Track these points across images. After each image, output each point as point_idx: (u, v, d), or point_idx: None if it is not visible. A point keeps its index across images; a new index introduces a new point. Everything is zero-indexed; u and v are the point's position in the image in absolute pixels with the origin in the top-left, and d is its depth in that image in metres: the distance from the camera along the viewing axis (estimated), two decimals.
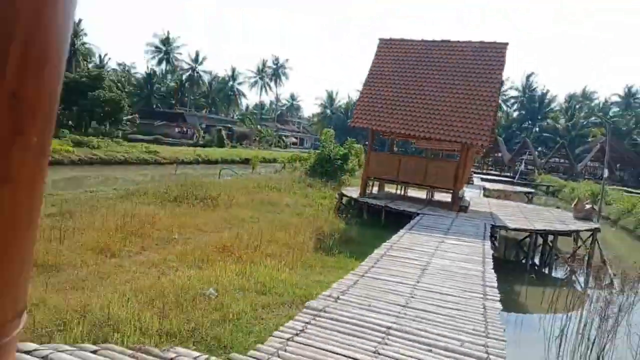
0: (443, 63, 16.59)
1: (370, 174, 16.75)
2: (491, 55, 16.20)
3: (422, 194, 18.24)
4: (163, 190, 15.89)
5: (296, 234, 11.41)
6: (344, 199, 17.10)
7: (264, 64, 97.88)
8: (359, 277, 6.48)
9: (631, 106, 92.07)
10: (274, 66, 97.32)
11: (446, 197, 17.21)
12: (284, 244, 10.34)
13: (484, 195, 24.16)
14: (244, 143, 78.68)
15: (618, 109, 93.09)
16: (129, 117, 59.67)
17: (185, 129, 74.49)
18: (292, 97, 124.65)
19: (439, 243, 9.39)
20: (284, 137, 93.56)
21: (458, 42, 16.96)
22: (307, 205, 17.28)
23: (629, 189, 46.50)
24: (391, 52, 17.40)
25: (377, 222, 14.65)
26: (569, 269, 13.73)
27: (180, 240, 10.24)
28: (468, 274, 6.94)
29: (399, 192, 18.52)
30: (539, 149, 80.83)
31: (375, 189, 18.84)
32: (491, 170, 74.59)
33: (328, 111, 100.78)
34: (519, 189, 33.36)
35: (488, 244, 9.73)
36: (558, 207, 33.44)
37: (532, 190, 32.92)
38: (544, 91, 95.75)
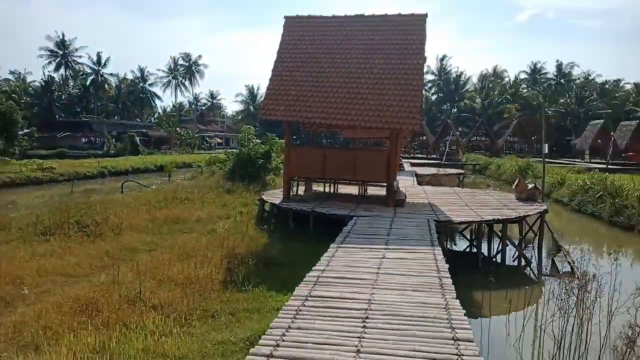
0: (360, 41, 14.60)
1: (292, 174, 14.44)
2: (410, 29, 14.45)
3: (354, 190, 16.24)
4: (33, 219, 12.58)
5: (202, 263, 8.86)
6: (266, 206, 14.66)
7: (175, 63, 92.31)
8: (273, 346, 4.14)
9: (538, 82, 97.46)
10: (187, 64, 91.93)
11: (380, 190, 15.34)
12: (180, 283, 7.76)
13: (418, 183, 22.73)
14: (163, 148, 73.53)
15: (526, 85, 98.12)
16: (26, 131, 53.06)
17: (93, 139, 68.00)
18: (213, 96, 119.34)
19: (380, 260, 7.28)
20: (207, 138, 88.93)
21: (373, 16, 15.05)
22: (224, 217, 14.68)
23: (547, 160, 48.08)
24: (300, 31, 15.14)
25: (306, 230, 12.40)
26: (521, 258, 12.31)
27: (31, 297, 7.33)
28: (426, 315, 4.83)
29: (329, 189, 16.37)
30: (460, 129, 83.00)
31: (302, 189, 16.60)
32: (417, 153, 75.48)
33: (251, 107, 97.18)
34: (449, 171, 32.69)
35: (439, 251, 7.78)
36: (489, 186, 33.36)
37: (462, 172, 32.36)
38: (458, 73, 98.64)
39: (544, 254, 13.16)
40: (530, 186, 14.70)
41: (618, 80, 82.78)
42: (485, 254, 13.46)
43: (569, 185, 23.88)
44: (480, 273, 10.80)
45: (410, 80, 13.37)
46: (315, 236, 12.20)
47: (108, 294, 6.93)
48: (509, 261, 12.27)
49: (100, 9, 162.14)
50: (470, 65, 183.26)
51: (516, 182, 15.12)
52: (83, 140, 66.81)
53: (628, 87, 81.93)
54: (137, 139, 68.97)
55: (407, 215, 11.79)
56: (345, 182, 14.91)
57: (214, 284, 7.88)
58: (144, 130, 78.07)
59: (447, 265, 6.78)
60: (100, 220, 12.27)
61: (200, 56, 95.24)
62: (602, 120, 59.36)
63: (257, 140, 25.57)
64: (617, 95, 75.51)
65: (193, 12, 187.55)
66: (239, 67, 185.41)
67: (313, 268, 6.83)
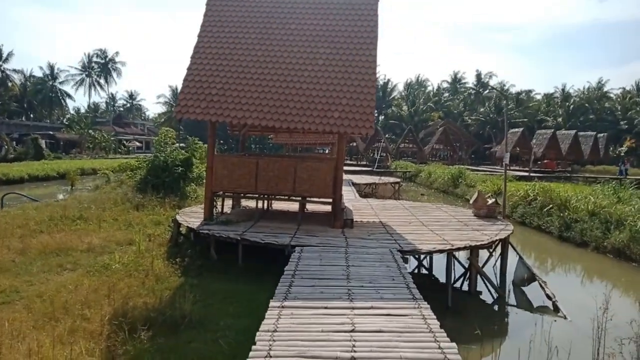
0: (301, 26, 12.12)
1: (216, 188, 11.56)
2: (361, 14, 12.23)
3: (292, 205, 13.65)
4: None
5: (70, 333, 5.85)
6: (183, 228, 11.63)
7: (89, 59, 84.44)
8: None
9: (458, 91, 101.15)
10: (102, 61, 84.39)
11: (321, 205, 12.90)
12: None
13: (360, 195, 20.61)
14: (73, 152, 66.27)
15: (448, 94, 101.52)
16: None
17: None
18: (132, 96, 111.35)
19: (349, 335, 4.74)
20: (125, 142, 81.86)
21: None
22: (126, 243, 11.45)
23: (469, 167, 48.66)
24: (228, 11, 12.38)
25: (232, 265, 9.62)
26: (494, 290, 10.40)
27: None
28: None
29: (262, 205, 13.64)
30: (386, 135, 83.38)
31: (229, 205, 13.73)
32: (347, 160, 74.53)
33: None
34: (384, 179, 31.14)
35: (428, 312, 5.42)
36: (423, 195, 32.34)
37: (399, 181, 30.99)
38: (385, 80, 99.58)
39: (508, 280, 11.42)
40: (490, 202, 13.00)
41: (529, 91, 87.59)
42: (441, 279, 11.53)
43: (510, 195, 22.97)
44: (454, 315, 8.69)
45: (362, 75, 11.09)
46: (245, 271, 9.49)
47: None
48: (485, 299, 10.33)
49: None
50: (397, 73, 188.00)
51: (475, 196, 13.38)
52: None
53: (538, 97, 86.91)
54: (43, 141, 61.43)
55: (362, 243, 9.41)
56: (282, 199, 12.28)
57: None
58: (51, 133, 70.26)
59: (454, 345, 4.41)
60: None
61: (117, 53, 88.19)
62: (520, 129, 61.70)
63: (177, 145, 22.18)
64: (530, 105, 79.68)
65: (117, 6, 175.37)
66: (162, 65, 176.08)
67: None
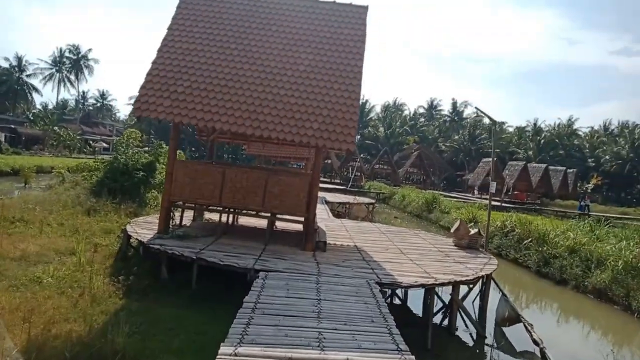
0: (283, 28, 11.15)
1: (175, 197, 10.29)
2: (348, 22, 11.36)
3: (260, 221, 12.42)
4: None
5: None
6: (133, 241, 10.27)
7: (61, 54, 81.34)
8: None
9: (434, 117, 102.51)
10: (74, 57, 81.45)
11: (292, 222, 11.76)
12: None
13: (334, 214, 19.57)
14: (34, 148, 63.08)
15: (424, 119, 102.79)
16: None
17: None
18: (103, 96, 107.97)
19: None
20: (91, 142, 78.67)
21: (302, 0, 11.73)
22: (67, 252, 10.04)
23: (442, 193, 48.51)
24: (202, 8, 11.29)
25: (185, 286, 8.36)
26: (474, 329, 9.46)
27: None
28: None
29: (226, 219, 12.40)
30: (361, 155, 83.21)
31: (188, 217, 12.43)
32: (321, 177, 73.58)
33: None
34: (359, 199, 30.26)
35: None
36: (397, 218, 31.60)
37: (373, 201, 30.17)
38: (364, 100, 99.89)
39: (488, 318, 10.54)
40: (472, 231, 12.19)
41: (502, 123, 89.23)
42: (415, 310, 10.60)
43: (485, 225, 22.37)
44: (434, 358, 7.68)
45: (345, 87, 10.15)
46: (200, 295, 8.25)
47: None
48: (459, 332, 9.37)
49: None
50: (375, 94, 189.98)
51: (456, 225, 12.54)
52: None
53: (510, 129, 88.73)
54: (3, 135, 58.25)
55: (335, 270, 8.32)
56: (250, 214, 11.10)
57: None
58: (12, 126, 66.88)
59: None
60: None
61: (90, 50, 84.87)
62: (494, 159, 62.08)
63: (140, 149, 20.72)
64: (503, 136, 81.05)
65: (93, 5, 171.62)
66: (136, 66, 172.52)
67: None
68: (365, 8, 11.50)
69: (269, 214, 10.57)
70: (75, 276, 8.33)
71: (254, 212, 10.74)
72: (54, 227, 12.34)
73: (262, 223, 11.80)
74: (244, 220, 12.95)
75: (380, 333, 5.23)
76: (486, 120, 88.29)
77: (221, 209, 10.91)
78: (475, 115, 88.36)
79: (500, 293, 10.64)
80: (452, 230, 12.82)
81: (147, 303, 7.48)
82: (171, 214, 10.53)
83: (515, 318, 9.75)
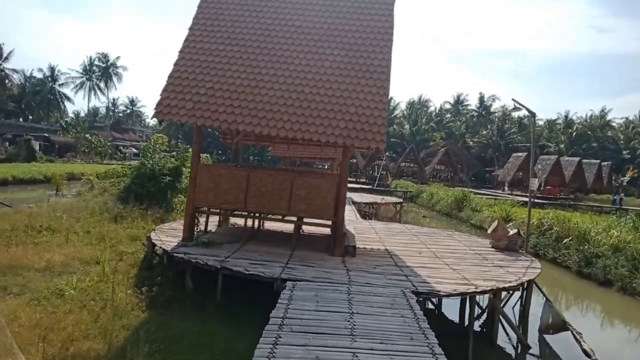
0: (307, 23, 10.74)
1: (199, 203, 10.00)
2: (375, 13, 10.84)
3: (285, 225, 12.00)
4: None
5: None
6: (157, 249, 10.01)
7: (91, 62, 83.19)
8: None
9: (460, 112, 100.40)
10: (103, 65, 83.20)
11: (319, 226, 11.30)
12: None
13: (361, 215, 19.04)
14: (67, 156, 64.71)
15: (450, 115, 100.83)
16: None
17: None
18: (132, 103, 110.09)
19: None
20: (121, 148, 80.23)
21: None
22: (92, 261, 9.86)
23: (472, 190, 47.21)
24: (224, 5, 10.97)
25: (211, 297, 8.02)
26: (516, 338, 8.82)
27: None
28: None
29: (252, 223, 12.08)
30: (387, 153, 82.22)
31: (214, 222, 12.14)
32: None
33: None
34: (387, 198, 29.58)
35: None
36: (425, 217, 30.78)
37: (401, 201, 29.49)
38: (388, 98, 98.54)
39: (531, 326, 9.86)
40: (511, 232, 11.49)
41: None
42: (449, 315, 10.01)
43: (521, 223, 21.44)
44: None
45: (374, 82, 9.65)
46: (225, 306, 7.89)
47: None
48: (500, 340, 8.74)
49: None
50: (399, 91, 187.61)
51: (494, 225, 11.85)
52: None
53: (541, 122, 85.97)
54: (37, 143, 59.87)
55: (367, 278, 7.83)
56: (276, 219, 10.72)
57: None
58: (46, 135, 68.82)
59: None
60: None
61: (118, 57, 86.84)
62: (524, 153, 60.25)
63: (167, 154, 20.65)
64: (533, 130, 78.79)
65: (121, 12, 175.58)
66: (166, 72, 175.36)
67: None
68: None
69: (295, 218, 10.15)
70: (99, 287, 8.09)
71: (280, 217, 10.35)
72: (80, 235, 12.24)
73: (289, 227, 11.41)
74: (269, 224, 12.60)
75: (421, 353, 4.72)
76: (515, 114, 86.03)
77: (246, 213, 10.56)
78: (506, 108, 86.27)
79: (544, 298, 9.95)
80: (489, 231, 12.14)
81: (170, 316, 7.17)
82: (196, 219, 10.23)
83: (561, 325, 9.06)
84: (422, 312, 6.14)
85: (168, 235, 10.07)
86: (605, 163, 58.64)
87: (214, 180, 9.90)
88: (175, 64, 9.90)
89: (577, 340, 8.51)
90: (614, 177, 61.00)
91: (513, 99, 11.25)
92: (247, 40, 10.30)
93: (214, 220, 12.03)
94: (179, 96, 9.42)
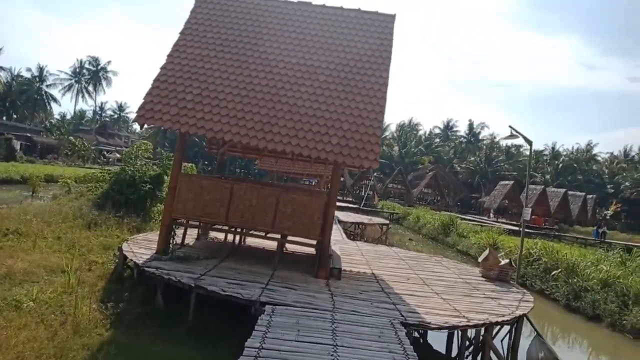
0: (303, 35, 10.38)
1: (177, 214, 9.42)
2: (374, 31, 10.54)
3: (269, 242, 11.42)
4: None
5: None
6: (129, 261, 9.35)
7: (81, 65, 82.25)
8: None
9: (449, 138, 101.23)
10: (93, 68, 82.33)
11: (304, 245, 10.76)
12: None
13: (347, 235, 18.54)
14: (49, 157, 63.33)
15: (439, 139, 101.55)
16: None
17: None
18: (121, 108, 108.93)
19: None
20: (105, 153, 78.88)
21: (325, 6, 10.97)
22: (58, 270, 9.16)
23: (458, 215, 47.06)
24: (217, 12, 10.58)
25: (183, 317, 7.40)
26: None
27: None
28: None
29: (232, 238, 11.52)
30: (375, 174, 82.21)
31: (192, 235, 11.53)
32: None
33: None
34: (374, 219, 29.15)
35: None
36: (411, 240, 30.35)
37: (387, 222, 29.05)
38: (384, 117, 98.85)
39: None
40: (503, 262, 11.09)
41: (519, 146, 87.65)
42: (435, 345, 9.45)
43: (508, 252, 21.11)
44: None
45: (369, 99, 9.28)
46: (198, 328, 7.27)
47: None
48: None
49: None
50: (388, 113, 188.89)
51: (485, 254, 11.44)
52: None
53: (527, 153, 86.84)
54: (19, 143, 58.51)
55: (352, 305, 7.30)
56: (258, 235, 10.16)
57: None
58: (28, 135, 67.42)
59: None
60: None
61: (109, 62, 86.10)
62: (511, 182, 60.59)
63: (150, 161, 20.00)
64: (520, 159, 79.50)
65: (116, 20, 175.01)
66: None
67: None
68: (393, 17, 10.68)
69: (279, 236, 9.63)
70: (61, 300, 7.44)
71: (263, 233, 9.82)
72: (49, 241, 11.53)
73: (272, 244, 10.85)
74: (251, 240, 12.02)
75: None
76: (503, 143, 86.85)
77: (227, 228, 10.00)
78: (494, 136, 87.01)
79: (535, 332, 9.51)
80: (480, 260, 11.73)
81: (137, 336, 6.54)
82: (172, 232, 9.63)
83: None
84: (411, 347, 5.62)
85: (141, 247, 9.44)
86: (591, 196, 59.22)
87: (194, 190, 9.35)
88: (163, 68, 9.42)
89: None
90: (597, 210, 61.56)
91: (510, 126, 11.02)
92: (240, 49, 9.89)
93: (192, 233, 11.42)
94: (164, 101, 8.92)
